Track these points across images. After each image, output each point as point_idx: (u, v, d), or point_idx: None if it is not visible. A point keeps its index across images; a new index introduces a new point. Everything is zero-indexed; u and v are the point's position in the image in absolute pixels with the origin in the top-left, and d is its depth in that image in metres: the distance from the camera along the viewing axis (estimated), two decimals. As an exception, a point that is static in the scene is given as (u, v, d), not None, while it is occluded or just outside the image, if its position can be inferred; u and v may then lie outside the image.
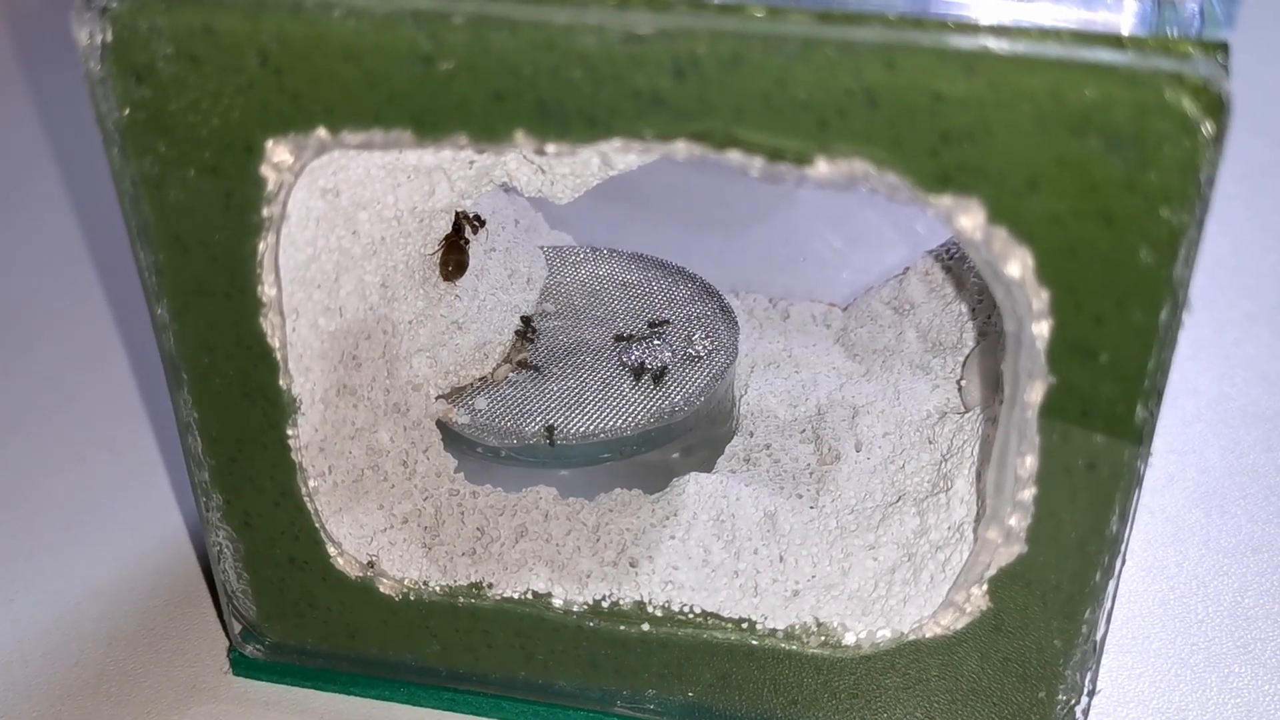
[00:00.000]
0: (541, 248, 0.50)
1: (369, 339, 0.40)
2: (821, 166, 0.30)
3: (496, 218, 0.48)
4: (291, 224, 0.35)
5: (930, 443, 0.43)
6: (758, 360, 0.48)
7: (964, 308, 0.47)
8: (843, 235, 0.64)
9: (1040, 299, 0.30)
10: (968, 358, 0.44)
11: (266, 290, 0.35)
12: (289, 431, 0.38)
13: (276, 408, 0.37)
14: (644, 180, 0.47)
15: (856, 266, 0.63)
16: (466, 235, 0.44)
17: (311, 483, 0.39)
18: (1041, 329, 0.31)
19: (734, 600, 0.40)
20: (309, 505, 0.39)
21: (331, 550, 0.40)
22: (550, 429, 0.42)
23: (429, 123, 0.31)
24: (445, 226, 0.43)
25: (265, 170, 0.33)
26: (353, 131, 0.32)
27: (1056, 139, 0.28)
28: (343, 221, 0.38)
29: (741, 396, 0.47)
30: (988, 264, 0.31)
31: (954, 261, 0.48)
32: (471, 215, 0.45)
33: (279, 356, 0.36)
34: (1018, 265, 0.30)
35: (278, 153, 0.32)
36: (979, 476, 0.39)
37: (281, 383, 0.37)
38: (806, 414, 0.46)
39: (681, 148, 0.30)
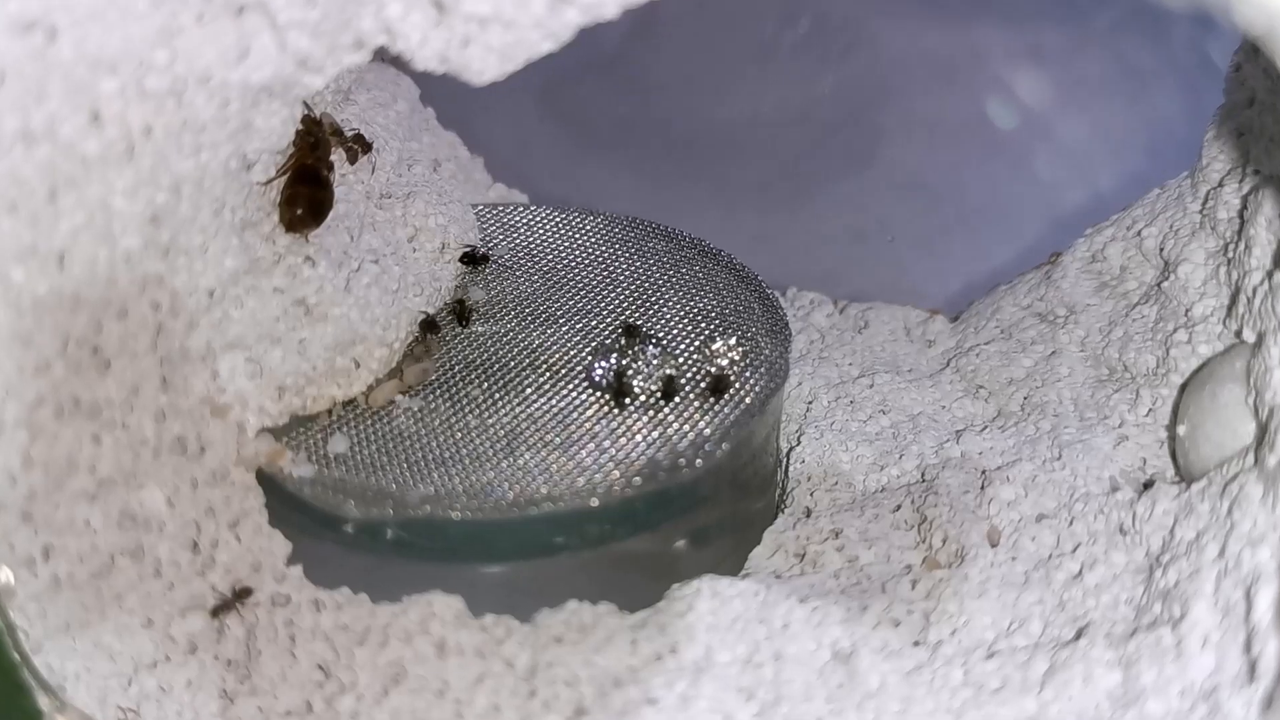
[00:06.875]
0: (474, 206, 0.40)
1: (124, 317, 0.30)
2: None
3: (403, 153, 0.38)
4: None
5: (1123, 533, 0.32)
6: (818, 392, 0.39)
7: (1166, 309, 0.36)
8: (941, 210, 0.55)
9: None
10: (1188, 389, 0.34)
11: None
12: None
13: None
14: (653, 131, 0.40)
15: (964, 256, 0.51)
16: (331, 158, 0.32)
17: (5, 576, 0.30)
18: None
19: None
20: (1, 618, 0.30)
21: (45, 703, 0.31)
22: (461, 490, 0.31)
23: None
24: (285, 137, 0.31)
25: None
26: None
27: None
28: (64, 91, 0.28)
29: (792, 450, 0.37)
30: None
31: (1154, 226, 0.37)
32: (347, 132, 0.34)
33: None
34: None
35: None
36: (1248, 602, 0.28)
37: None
38: (902, 481, 0.37)
39: None
